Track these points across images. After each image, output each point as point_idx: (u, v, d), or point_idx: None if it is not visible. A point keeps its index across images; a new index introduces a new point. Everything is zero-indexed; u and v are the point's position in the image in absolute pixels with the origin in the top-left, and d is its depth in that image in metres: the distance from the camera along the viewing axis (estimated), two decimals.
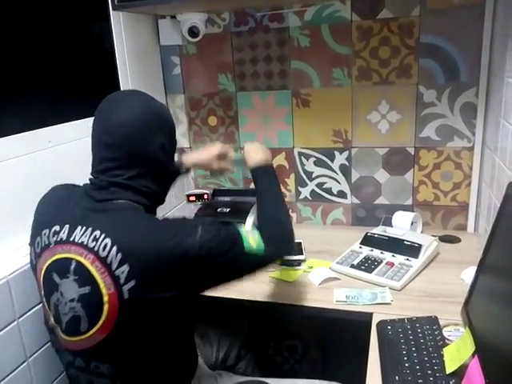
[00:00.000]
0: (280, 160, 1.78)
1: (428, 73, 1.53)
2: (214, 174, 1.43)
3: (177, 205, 1.79)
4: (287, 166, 1.78)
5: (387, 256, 1.38)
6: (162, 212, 1.63)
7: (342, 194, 1.75)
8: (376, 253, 1.41)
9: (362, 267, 1.35)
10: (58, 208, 0.95)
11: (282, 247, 1.05)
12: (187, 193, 1.61)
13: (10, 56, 1.12)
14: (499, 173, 1.29)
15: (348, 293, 1.23)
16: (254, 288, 1.33)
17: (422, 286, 1.27)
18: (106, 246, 0.84)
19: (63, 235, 0.89)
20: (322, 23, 1.58)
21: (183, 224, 0.91)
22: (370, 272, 1.32)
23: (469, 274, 1.28)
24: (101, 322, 0.85)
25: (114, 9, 1.44)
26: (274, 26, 1.64)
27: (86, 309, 0.86)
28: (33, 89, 1.21)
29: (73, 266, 0.87)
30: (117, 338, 0.87)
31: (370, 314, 1.14)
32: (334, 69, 1.62)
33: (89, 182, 0.96)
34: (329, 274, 1.33)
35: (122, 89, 1.53)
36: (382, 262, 1.36)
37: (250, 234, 0.94)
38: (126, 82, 1.55)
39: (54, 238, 0.90)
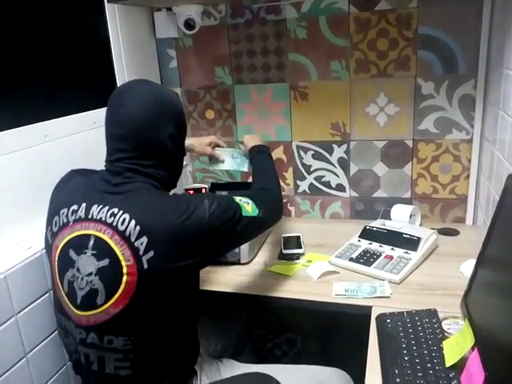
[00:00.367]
0: (278, 153, 1.77)
1: (426, 65, 1.52)
2: (211, 160, 1.49)
3: None
4: (285, 160, 1.77)
5: (386, 249, 1.38)
6: None
7: (340, 188, 1.74)
8: (375, 246, 1.41)
9: (361, 260, 1.34)
10: (76, 190, 0.99)
11: (272, 208, 1.15)
12: (185, 187, 1.60)
13: (4, 49, 1.11)
14: (498, 165, 1.29)
15: (347, 286, 1.23)
16: (253, 282, 1.33)
17: (421, 279, 1.27)
18: (124, 220, 0.89)
19: (81, 213, 0.93)
20: (320, 15, 1.57)
21: (192, 198, 0.97)
22: (369, 265, 1.31)
23: (468, 266, 1.28)
24: (118, 295, 0.88)
25: (108, 1, 1.43)
26: (271, 18, 1.62)
27: (103, 281, 0.89)
28: (28, 83, 1.19)
29: (91, 242, 0.90)
30: (131, 311, 0.89)
31: (370, 308, 1.14)
32: (332, 61, 1.60)
33: (104, 168, 1.00)
34: (328, 268, 1.33)
35: (117, 82, 1.51)
36: (380, 255, 1.36)
37: (244, 201, 1.04)
38: (121, 75, 1.53)
39: (73, 217, 0.94)
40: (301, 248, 1.46)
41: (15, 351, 1.02)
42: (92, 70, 1.43)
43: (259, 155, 1.34)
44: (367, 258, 1.35)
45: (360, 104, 1.62)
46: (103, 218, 0.90)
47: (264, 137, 1.74)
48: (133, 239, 0.88)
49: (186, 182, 1.82)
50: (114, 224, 0.89)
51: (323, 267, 1.33)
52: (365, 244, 1.43)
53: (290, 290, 1.26)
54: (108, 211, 0.91)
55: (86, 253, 0.91)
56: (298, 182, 1.79)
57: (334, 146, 1.69)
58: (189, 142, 1.41)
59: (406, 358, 0.93)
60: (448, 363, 0.88)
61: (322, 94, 1.65)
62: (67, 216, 0.95)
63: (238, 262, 1.40)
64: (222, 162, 1.46)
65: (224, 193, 1.62)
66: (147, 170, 0.97)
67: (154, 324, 0.93)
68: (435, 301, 1.15)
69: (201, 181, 1.87)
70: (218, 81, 1.75)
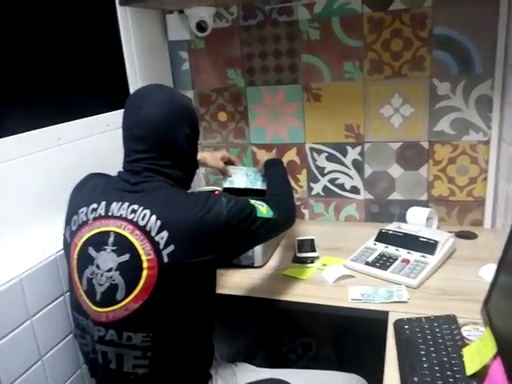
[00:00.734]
0: (291, 156, 1.76)
1: (441, 65, 1.49)
2: (224, 176, 1.53)
3: None
4: (299, 162, 1.76)
5: (402, 253, 1.36)
6: None
7: (354, 190, 1.72)
8: (391, 249, 1.38)
9: (377, 264, 1.32)
10: (94, 190, 1.01)
11: (286, 212, 1.17)
12: (198, 189, 1.60)
13: (19, 53, 1.11)
14: None
15: (363, 291, 1.21)
16: (267, 285, 1.32)
17: (439, 283, 1.24)
18: (145, 215, 0.91)
19: (101, 211, 0.95)
20: (332, 16, 1.55)
21: (210, 194, 0.99)
22: (386, 269, 1.29)
23: (487, 271, 1.25)
24: (138, 289, 0.89)
25: (120, 4, 1.43)
26: (283, 20, 1.61)
27: (124, 276, 0.90)
28: (41, 86, 1.19)
29: (111, 238, 0.92)
30: (151, 307, 0.90)
31: (386, 313, 1.12)
32: (345, 62, 1.58)
33: (122, 169, 1.02)
34: (343, 272, 1.31)
35: (130, 86, 1.51)
36: (397, 258, 1.33)
37: (259, 204, 1.06)
38: (134, 78, 1.53)
39: (93, 215, 0.96)
40: (315, 251, 1.44)
41: (31, 354, 1.02)
42: (105, 72, 1.43)
43: (272, 167, 1.39)
44: (383, 262, 1.33)
45: (374, 105, 1.59)
46: (124, 215, 0.93)
47: (277, 139, 1.75)
48: (153, 234, 0.90)
49: (199, 184, 1.81)
50: (135, 220, 0.91)
51: (339, 271, 1.31)
52: (381, 247, 1.41)
53: (304, 294, 1.25)
54: (128, 208, 0.93)
55: (105, 249, 0.92)
56: (312, 185, 1.77)
57: (348, 147, 1.67)
58: (202, 155, 1.46)
59: (426, 366, 0.90)
60: (469, 371, 0.86)
61: (335, 95, 1.63)
62: (86, 214, 0.96)
63: (251, 266, 1.39)
64: (235, 178, 1.50)
65: None
66: (165, 170, 1.00)
67: (173, 321, 0.94)
68: (454, 306, 1.12)
69: (214, 183, 1.86)
70: (230, 83, 1.74)
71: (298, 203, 1.79)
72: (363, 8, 1.51)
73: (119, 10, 1.46)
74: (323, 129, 1.68)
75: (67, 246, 1.00)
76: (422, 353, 0.94)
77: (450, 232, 1.46)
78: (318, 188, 1.77)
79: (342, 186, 1.73)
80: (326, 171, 1.74)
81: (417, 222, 1.50)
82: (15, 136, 1.07)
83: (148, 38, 1.62)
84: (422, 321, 1.05)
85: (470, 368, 0.86)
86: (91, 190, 1.03)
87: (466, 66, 1.47)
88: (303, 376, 1.15)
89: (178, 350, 0.97)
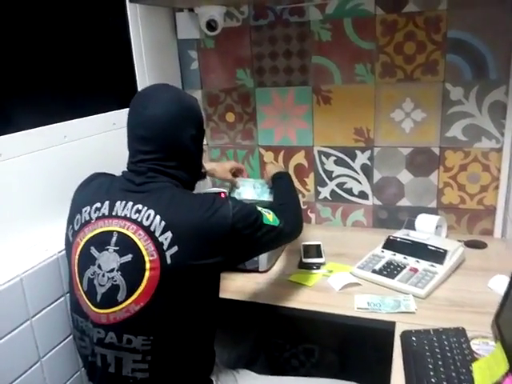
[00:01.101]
0: (299, 159, 1.73)
1: (455, 69, 1.46)
2: (232, 187, 1.55)
3: None
4: (306, 165, 1.73)
5: (411, 261, 1.33)
6: None
7: (363, 195, 1.69)
8: (399, 257, 1.36)
9: (385, 272, 1.29)
10: (98, 189, 1.00)
11: (293, 222, 1.15)
12: (204, 191, 1.58)
13: (26, 49, 1.09)
14: None
15: (370, 299, 1.19)
16: (272, 291, 1.30)
17: (448, 294, 1.22)
18: (149, 215, 0.90)
19: (105, 210, 0.94)
20: (345, 17, 1.52)
21: (216, 198, 0.97)
22: (393, 278, 1.26)
23: (497, 282, 1.22)
24: (139, 291, 0.88)
25: (130, 1, 1.41)
26: (295, 20, 1.59)
27: (126, 277, 0.89)
28: (48, 83, 1.17)
29: (114, 238, 0.91)
30: (152, 309, 0.89)
31: (393, 323, 1.09)
32: (357, 64, 1.56)
33: (127, 169, 1.01)
34: (349, 280, 1.29)
35: (138, 84, 1.49)
36: (405, 267, 1.31)
37: (266, 211, 1.05)
38: (142, 76, 1.52)
39: (96, 214, 0.94)
40: (321, 257, 1.41)
41: (30, 355, 1.00)
42: (113, 70, 1.41)
43: (279, 180, 1.37)
44: (391, 270, 1.30)
45: (385, 109, 1.57)
46: (128, 215, 0.91)
47: (285, 141, 1.72)
48: (157, 234, 0.88)
49: (205, 186, 1.79)
50: (139, 220, 0.90)
51: (345, 279, 1.29)
52: (388, 255, 1.38)
53: (309, 302, 1.22)
54: (132, 208, 0.92)
55: (108, 249, 0.91)
56: (319, 189, 1.74)
57: (357, 151, 1.65)
58: (211, 166, 1.48)
59: (434, 380, 0.88)
60: None
61: (345, 98, 1.60)
62: (89, 213, 0.95)
63: (256, 270, 1.37)
64: (242, 189, 1.52)
65: (244, 197, 1.62)
66: (170, 171, 0.98)
67: (174, 324, 0.92)
68: (463, 318, 1.10)
69: (220, 185, 1.83)
70: (239, 83, 1.72)
71: (304, 207, 1.77)
72: (376, 10, 1.49)
73: (129, 7, 1.44)
74: (332, 132, 1.66)
75: (69, 245, 0.99)
76: (430, 366, 0.92)
77: (460, 241, 1.44)
78: (325, 192, 1.74)
79: (349, 191, 1.71)
80: (334, 175, 1.71)
81: (426, 229, 1.47)
82: (21, 132, 1.06)
83: (157, 36, 1.60)
84: (430, 333, 1.02)
85: None
86: (95, 189, 1.01)
87: (481, 70, 1.43)
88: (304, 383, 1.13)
89: (179, 354, 0.95)
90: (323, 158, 1.70)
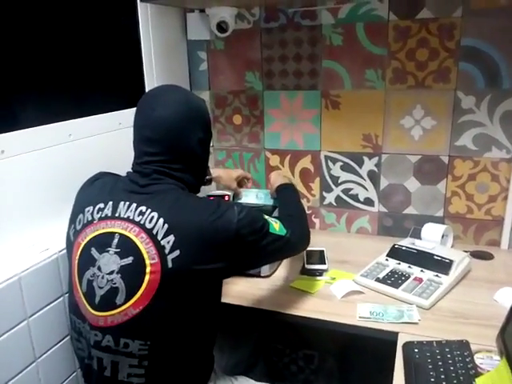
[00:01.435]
0: (305, 163, 1.72)
1: (468, 78, 1.44)
2: (235, 196, 1.57)
3: None
4: (312, 170, 1.72)
5: (415, 271, 1.31)
6: None
7: (368, 202, 1.67)
8: (403, 267, 1.34)
9: (388, 281, 1.27)
10: (102, 189, 0.99)
11: (300, 233, 1.14)
12: (208, 193, 1.57)
13: (34, 46, 1.09)
14: None
15: (372, 308, 1.17)
16: (273, 297, 1.28)
17: (452, 305, 1.19)
18: (152, 218, 0.89)
19: (108, 211, 0.93)
20: (357, 22, 1.51)
21: (222, 201, 0.97)
22: (397, 287, 1.24)
23: (503, 295, 1.21)
24: (139, 294, 0.86)
25: (141, 0, 1.41)
26: (306, 24, 1.57)
27: (125, 280, 0.88)
28: (55, 80, 1.17)
29: (116, 240, 0.90)
30: (151, 313, 0.87)
31: (396, 334, 1.08)
32: (367, 70, 1.54)
33: (132, 170, 1.00)
34: (352, 287, 1.27)
35: (146, 83, 1.49)
36: (409, 276, 1.29)
37: (273, 220, 1.03)
38: (151, 76, 1.51)
39: (99, 215, 0.93)
40: (324, 264, 1.40)
41: (25, 355, 0.99)
42: (121, 69, 1.41)
43: (285, 191, 1.35)
44: (395, 280, 1.28)
45: (395, 116, 1.55)
46: (131, 217, 0.90)
47: (291, 145, 1.71)
48: (160, 237, 0.87)
49: (209, 188, 1.78)
50: (142, 222, 0.89)
51: (348, 286, 1.27)
52: (393, 264, 1.36)
53: (311, 309, 1.21)
54: (136, 210, 0.91)
55: (108, 251, 0.90)
56: (325, 194, 1.73)
57: (365, 158, 1.63)
58: (217, 173, 1.48)
59: None
60: None
61: (354, 103, 1.59)
62: (92, 214, 0.94)
63: (258, 275, 1.36)
64: (245, 199, 1.55)
65: (248, 201, 1.61)
66: (175, 174, 0.97)
67: (172, 329, 0.90)
68: (467, 330, 1.08)
69: (224, 188, 1.82)
70: (247, 85, 1.71)
71: (309, 212, 1.75)
72: (390, 15, 1.47)
73: (140, 6, 1.43)
74: (340, 137, 1.64)
75: (70, 245, 0.98)
76: (432, 380, 0.90)
77: (466, 251, 1.42)
78: (330, 198, 1.72)
79: (355, 197, 1.69)
80: (340, 181, 1.69)
81: (432, 238, 1.45)
82: (25, 130, 1.05)
83: (167, 36, 1.60)
84: (433, 345, 1.00)
85: None
86: (99, 189, 1.01)
87: (494, 80, 1.41)
88: None
89: (177, 360, 0.93)
90: (330, 163, 1.68)
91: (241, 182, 1.54)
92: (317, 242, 1.58)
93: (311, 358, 1.79)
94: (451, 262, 1.30)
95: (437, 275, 1.27)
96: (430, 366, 0.94)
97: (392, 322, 1.12)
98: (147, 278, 0.86)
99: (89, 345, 0.93)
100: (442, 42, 1.44)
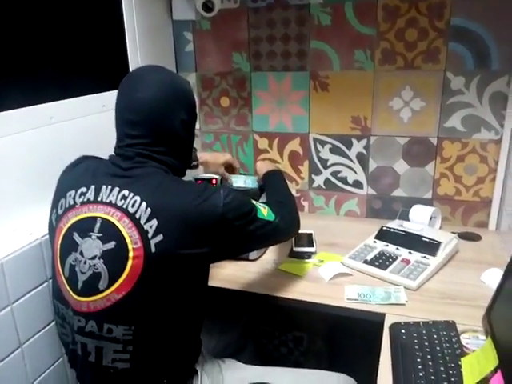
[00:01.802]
0: (294, 146, 1.70)
1: (457, 58, 1.42)
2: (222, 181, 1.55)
3: None
4: (301, 153, 1.70)
5: (403, 252, 1.31)
6: None
7: (357, 184, 1.67)
8: (391, 248, 1.34)
9: (376, 263, 1.28)
10: (84, 173, 0.97)
11: (289, 219, 1.13)
12: (196, 177, 1.55)
13: (13, 27, 1.05)
14: None
15: (360, 290, 1.17)
16: (261, 280, 1.28)
17: (439, 286, 1.20)
18: (135, 202, 0.87)
19: (90, 196, 0.91)
20: (346, 1, 1.48)
21: (208, 185, 0.95)
22: (385, 269, 1.25)
23: (490, 275, 1.21)
24: (121, 280, 0.86)
25: None
26: (294, 3, 1.54)
27: (108, 265, 0.87)
28: (36, 61, 1.13)
29: (98, 224, 0.88)
30: (134, 298, 0.86)
31: (383, 315, 1.08)
32: (356, 50, 1.52)
33: (114, 153, 0.98)
34: (340, 270, 1.27)
35: (130, 65, 1.45)
36: (397, 258, 1.29)
37: (261, 205, 1.02)
38: (135, 57, 1.47)
39: (81, 199, 0.92)
40: (313, 246, 1.39)
41: (10, 341, 0.98)
42: (104, 50, 1.37)
43: (272, 177, 1.34)
44: (383, 261, 1.28)
45: (383, 97, 1.53)
46: (113, 201, 0.89)
47: (280, 127, 1.69)
48: (142, 222, 0.86)
49: (197, 171, 1.76)
50: (125, 206, 0.87)
51: (335, 268, 1.27)
52: (381, 246, 1.36)
53: (299, 291, 1.21)
54: (118, 194, 0.89)
55: (90, 236, 0.88)
56: (313, 177, 1.72)
57: (354, 140, 1.62)
58: (204, 158, 1.46)
59: (421, 374, 0.87)
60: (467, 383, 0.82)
61: (343, 84, 1.57)
62: (74, 198, 0.93)
63: (246, 258, 1.35)
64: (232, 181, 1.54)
65: (235, 184, 1.59)
66: (158, 156, 0.95)
67: (157, 314, 0.90)
68: (453, 311, 1.08)
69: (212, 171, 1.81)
70: (234, 67, 1.68)
71: (297, 195, 1.74)
72: None
73: None
74: (329, 119, 1.62)
75: (52, 230, 0.96)
76: (418, 360, 0.90)
77: (454, 233, 1.42)
78: (319, 180, 1.71)
79: (344, 180, 1.68)
80: (328, 163, 1.68)
81: (420, 220, 1.45)
82: (4, 113, 1.02)
83: (152, 15, 1.55)
84: (420, 326, 1.01)
85: (469, 380, 0.82)
86: (81, 173, 0.98)
87: (483, 60, 1.40)
88: (291, 375, 1.12)
89: (162, 345, 0.92)
90: (318, 146, 1.67)
91: (228, 167, 1.52)
92: (305, 225, 1.56)
93: (300, 340, 1.81)
94: (439, 243, 1.30)
95: (424, 256, 1.28)
96: (417, 347, 0.94)
97: (379, 303, 1.12)
98: (130, 262, 0.85)
99: (73, 330, 0.92)
100: (431, 21, 1.42)
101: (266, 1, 1.57)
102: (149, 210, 0.86)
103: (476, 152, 1.49)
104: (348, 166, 1.66)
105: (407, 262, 1.27)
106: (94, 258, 0.87)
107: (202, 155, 1.46)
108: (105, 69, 1.38)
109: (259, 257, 1.38)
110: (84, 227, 0.89)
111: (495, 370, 0.78)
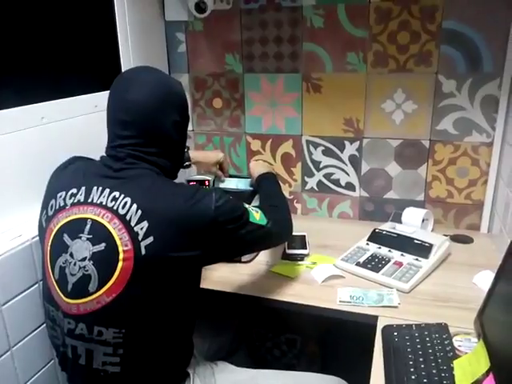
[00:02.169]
0: (287, 148, 1.70)
1: (449, 61, 1.43)
2: (215, 181, 1.56)
3: None
4: (294, 155, 1.70)
5: (395, 255, 1.31)
6: None
7: (350, 186, 1.67)
8: (384, 251, 1.34)
9: (369, 266, 1.28)
10: (75, 174, 0.97)
11: (282, 224, 1.12)
12: (188, 178, 1.54)
13: (3, 26, 1.04)
14: None
15: (352, 293, 1.17)
16: (254, 282, 1.27)
17: (432, 289, 1.20)
18: (125, 203, 0.86)
19: (80, 197, 0.90)
20: (338, 3, 1.48)
21: (199, 188, 0.94)
22: (377, 271, 1.25)
23: (482, 278, 1.21)
24: (111, 282, 0.85)
25: None
26: (287, 5, 1.54)
27: (98, 267, 0.86)
28: (27, 62, 1.12)
29: (88, 226, 0.88)
30: (124, 301, 0.86)
31: (376, 317, 1.08)
32: (349, 53, 1.52)
33: (105, 154, 0.98)
34: (333, 272, 1.27)
35: (122, 65, 1.44)
36: (389, 260, 1.29)
37: (253, 209, 1.01)
38: (127, 58, 1.46)
39: (71, 200, 0.91)
40: (305, 248, 1.39)
41: None
42: (96, 50, 1.36)
43: (266, 181, 1.33)
44: (375, 264, 1.28)
45: (376, 99, 1.53)
46: (104, 203, 0.88)
47: (273, 129, 1.69)
48: (133, 224, 0.85)
49: (189, 172, 1.75)
50: (115, 208, 0.87)
51: (328, 271, 1.27)
52: (373, 248, 1.36)
53: (292, 293, 1.20)
54: (109, 195, 0.88)
55: (80, 237, 0.87)
56: (306, 179, 1.72)
57: (346, 142, 1.62)
58: (196, 158, 1.45)
59: (413, 377, 0.86)
60: None
61: (336, 86, 1.57)
62: (64, 199, 0.92)
63: (239, 260, 1.34)
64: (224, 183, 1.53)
65: (228, 186, 1.59)
66: (150, 158, 0.95)
67: (147, 317, 0.89)
68: (446, 313, 1.09)
69: (204, 173, 1.80)
70: (227, 68, 1.68)
71: (290, 197, 1.74)
72: None
73: None
74: (321, 121, 1.62)
75: (42, 231, 0.95)
76: (411, 363, 0.90)
77: (446, 235, 1.42)
78: (312, 183, 1.71)
79: (337, 182, 1.68)
80: (321, 166, 1.68)
81: (412, 223, 1.46)
82: None
83: (144, 16, 1.55)
84: (413, 328, 1.01)
85: (461, 382, 0.82)
86: (72, 174, 0.98)
87: (475, 63, 1.41)
88: (284, 378, 1.11)
89: (153, 348, 0.92)
90: (311, 148, 1.67)
91: (221, 166, 1.51)
92: (298, 227, 1.56)
93: (293, 343, 1.80)
94: (431, 245, 1.30)
95: (417, 259, 1.28)
96: (409, 349, 0.94)
97: (372, 305, 1.12)
98: (120, 265, 0.84)
99: (63, 333, 0.91)
100: (423, 24, 1.42)
101: (258, 2, 1.57)
102: (139, 211, 0.85)
103: (468, 155, 1.50)
104: (341, 168, 1.66)
105: (400, 264, 1.27)
106: (83, 259, 0.86)
107: (193, 155, 1.45)
108: (97, 69, 1.37)
109: (252, 259, 1.38)
110: (74, 228, 0.88)
111: (487, 373, 0.78)
